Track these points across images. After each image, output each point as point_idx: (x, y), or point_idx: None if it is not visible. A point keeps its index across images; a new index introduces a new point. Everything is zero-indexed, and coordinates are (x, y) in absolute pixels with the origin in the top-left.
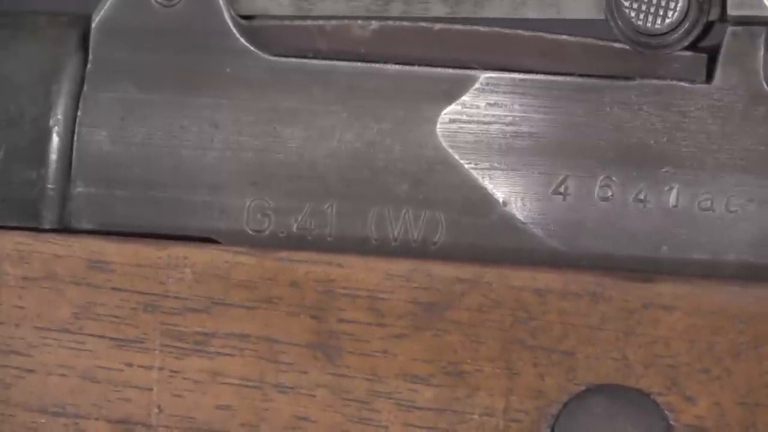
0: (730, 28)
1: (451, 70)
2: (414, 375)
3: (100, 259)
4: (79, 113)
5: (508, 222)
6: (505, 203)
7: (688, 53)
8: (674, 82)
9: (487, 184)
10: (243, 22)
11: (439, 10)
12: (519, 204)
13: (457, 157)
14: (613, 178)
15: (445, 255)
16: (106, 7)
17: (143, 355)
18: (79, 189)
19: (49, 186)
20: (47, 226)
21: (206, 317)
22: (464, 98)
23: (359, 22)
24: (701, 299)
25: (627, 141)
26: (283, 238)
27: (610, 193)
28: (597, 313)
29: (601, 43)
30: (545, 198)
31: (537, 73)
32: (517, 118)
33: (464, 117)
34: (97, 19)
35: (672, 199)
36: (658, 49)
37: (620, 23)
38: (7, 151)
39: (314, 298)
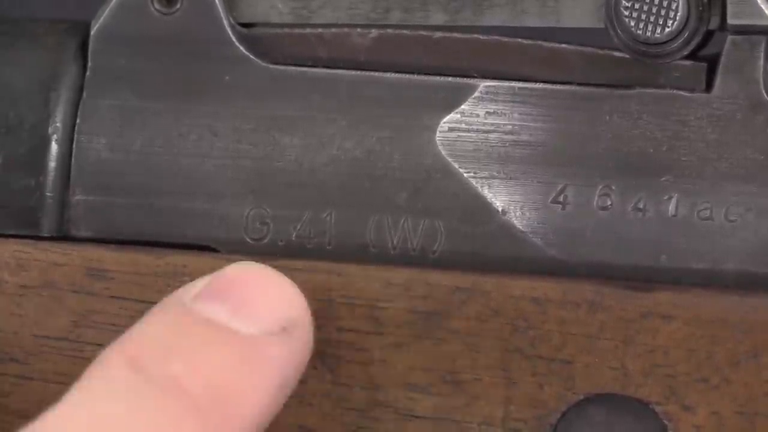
0: (729, 37)
1: (450, 79)
2: (413, 384)
3: (98, 268)
4: (77, 121)
5: (507, 231)
6: (504, 212)
7: (687, 62)
8: (674, 91)
9: (486, 192)
10: (242, 30)
11: (438, 19)
12: (518, 213)
13: (456, 165)
14: (613, 187)
15: (444, 264)
16: (105, 14)
17: None
18: (77, 197)
19: (47, 194)
20: (46, 234)
21: None
22: (463, 107)
23: (359, 30)
24: (700, 308)
25: (626, 150)
26: (282, 246)
27: (609, 202)
28: (596, 322)
29: (601, 51)
30: (544, 207)
31: (536, 81)
32: (517, 127)
33: (463, 125)
34: (96, 27)
35: (671, 208)
36: (657, 58)
37: (620, 32)
38: (6, 159)
39: (313, 307)
